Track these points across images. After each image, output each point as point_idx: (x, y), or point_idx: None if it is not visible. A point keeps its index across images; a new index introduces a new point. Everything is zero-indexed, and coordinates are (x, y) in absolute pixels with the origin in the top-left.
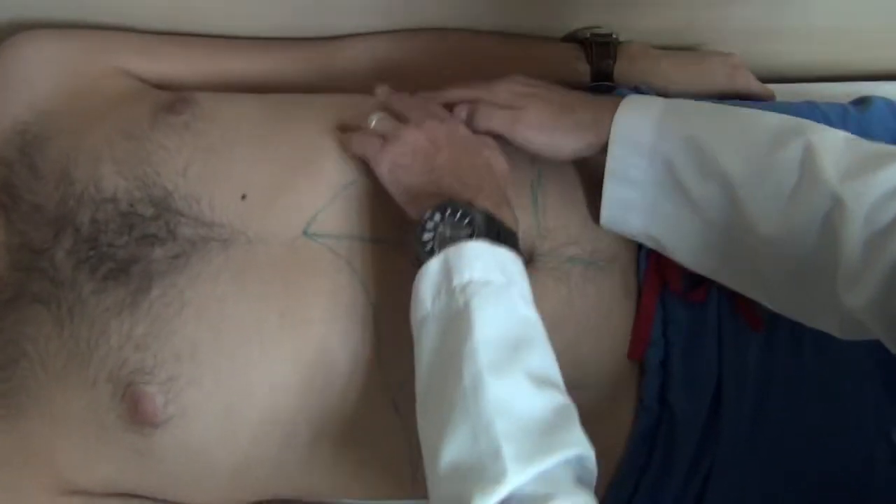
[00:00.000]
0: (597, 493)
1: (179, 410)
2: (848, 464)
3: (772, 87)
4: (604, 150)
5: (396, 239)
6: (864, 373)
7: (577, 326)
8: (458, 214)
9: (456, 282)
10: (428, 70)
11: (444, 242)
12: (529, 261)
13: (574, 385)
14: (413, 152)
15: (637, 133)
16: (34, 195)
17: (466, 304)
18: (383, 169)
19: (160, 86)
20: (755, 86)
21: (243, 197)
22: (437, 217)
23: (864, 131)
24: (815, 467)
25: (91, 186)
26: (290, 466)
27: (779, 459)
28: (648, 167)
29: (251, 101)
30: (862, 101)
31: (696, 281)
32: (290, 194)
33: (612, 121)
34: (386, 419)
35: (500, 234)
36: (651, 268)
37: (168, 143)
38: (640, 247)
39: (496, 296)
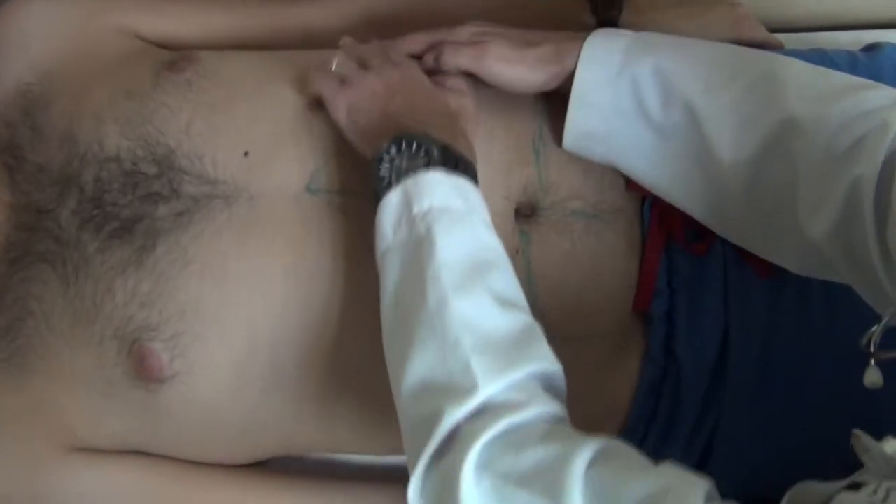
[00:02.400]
0: None
1: (185, 366)
2: (856, 412)
3: (779, 36)
4: (569, 80)
5: None
6: (872, 320)
7: (582, 279)
8: (414, 146)
9: (416, 210)
10: (427, 21)
11: (401, 174)
12: (532, 214)
13: (579, 337)
14: (370, 97)
15: (604, 59)
16: (38, 156)
17: (428, 230)
18: (340, 114)
19: (161, 45)
20: (762, 35)
21: (245, 154)
22: (393, 150)
23: (874, 77)
24: (822, 416)
25: (95, 146)
26: (298, 422)
27: (786, 408)
28: (614, 93)
29: (252, 58)
30: (871, 48)
31: (701, 232)
32: (291, 150)
33: (577, 51)
34: None
35: (457, 163)
36: (655, 220)
37: (170, 101)
38: (643, 199)
39: (458, 221)
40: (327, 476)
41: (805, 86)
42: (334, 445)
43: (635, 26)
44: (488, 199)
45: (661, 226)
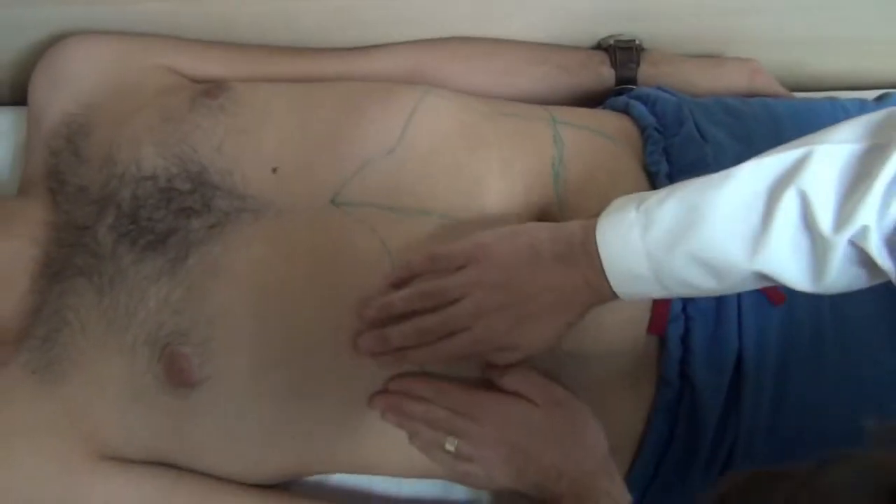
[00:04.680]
0: (619, 470)
1: (214, 372)
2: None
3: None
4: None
5: (421, 209)
6: (885, 346)
7: None
8: None
9: None
10: (453, 74)
11: None
12: None
13: (594, 359)
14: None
15: (636, 281)
16: (79, 178)
17: None
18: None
19: (199, 82)
20: (775, 88)
21: (274, 170)
22: None
23: None
24: (838, 441)
25: (132, 167)
26: (318, 436)
27: (802, 433)
28: (664, 292)
29: (281, 86)
30: (882, 97)
31: None
32: (317, 167)
33: (598, 284)
34: None
35: None
36: None
37: (204, 123)
38: None
39: None
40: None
41: (831, 199)
42: (357, 466)
43: (652, 78)
44: (506, 219)
45: None
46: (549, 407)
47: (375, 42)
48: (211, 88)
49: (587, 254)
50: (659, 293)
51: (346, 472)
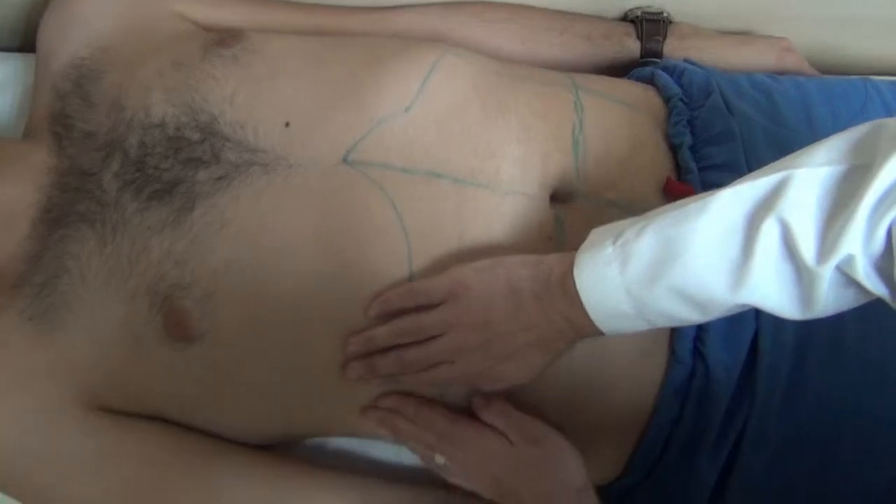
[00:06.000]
0: (626, 447)
1: (213, 326)
2: (888, 429)
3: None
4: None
5: (433, 171)
6: None
7: None
8: None
9: None
10: (473, 38)
11: None
12: (567, 201)
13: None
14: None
15: (617, 317)
16: (86, 123)
17: None
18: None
19: (212, 30)
20: (805, 69)
21: (286, 125)
22: None
23: None
24: (854, 427)
25: (141, 113)
26: (316, 399)
27: (816, 421)
28: (644, 322)
29: (298, 39)
30: None
31: None
32: (331, 123)
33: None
34: None
35: None
36: None
37: (217, 72)
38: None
39: None
40: (345, 469)
41: (811, 231)
42: (357, 431)
43: (679, 52)
44: (525, 184)
45: None
46: (523, 445)
47: (395, 4)
48: (225, 38)
49: (566, 292)
50: (643, 327)
51: (346, 436)
